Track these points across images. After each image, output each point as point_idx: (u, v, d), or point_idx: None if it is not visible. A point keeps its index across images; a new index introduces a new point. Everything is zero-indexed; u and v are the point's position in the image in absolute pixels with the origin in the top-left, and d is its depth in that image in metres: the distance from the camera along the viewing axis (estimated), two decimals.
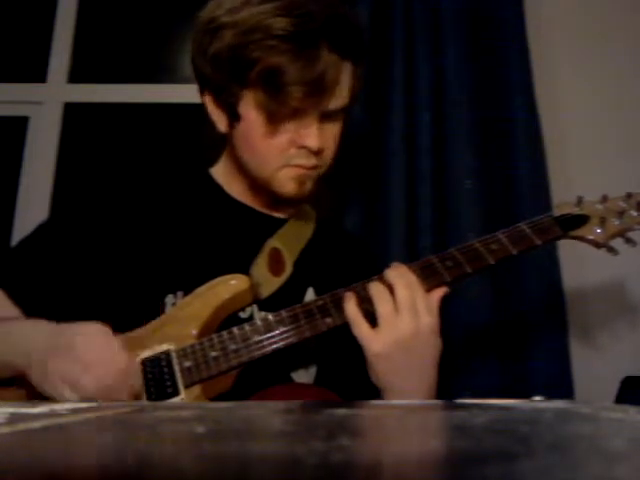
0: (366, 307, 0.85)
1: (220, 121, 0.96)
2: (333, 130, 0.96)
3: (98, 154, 1.80)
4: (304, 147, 0.92)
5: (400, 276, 0.86)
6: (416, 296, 0.85)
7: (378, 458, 0.24)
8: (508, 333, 1.37)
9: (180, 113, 1.75)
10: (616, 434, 0.33)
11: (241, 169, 1.00)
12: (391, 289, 0.85)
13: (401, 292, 0.84)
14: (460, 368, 1.34)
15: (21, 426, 0.34)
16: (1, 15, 1.89)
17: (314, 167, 0.94)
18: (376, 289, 0.85)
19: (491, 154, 1.45)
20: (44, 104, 1.76)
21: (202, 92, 0.98)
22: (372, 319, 0.85)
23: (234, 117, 0.93)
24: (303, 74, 0.86)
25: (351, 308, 0.85)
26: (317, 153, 0.93)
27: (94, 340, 0.78)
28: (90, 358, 0.76)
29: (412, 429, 0.35)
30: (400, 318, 0.83)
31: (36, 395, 0.82)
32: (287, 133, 0.91)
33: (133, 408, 0.49)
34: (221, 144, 1.06)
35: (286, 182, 0.94)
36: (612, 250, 0.92)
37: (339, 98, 0.93)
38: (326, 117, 0.93)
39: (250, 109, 0.91)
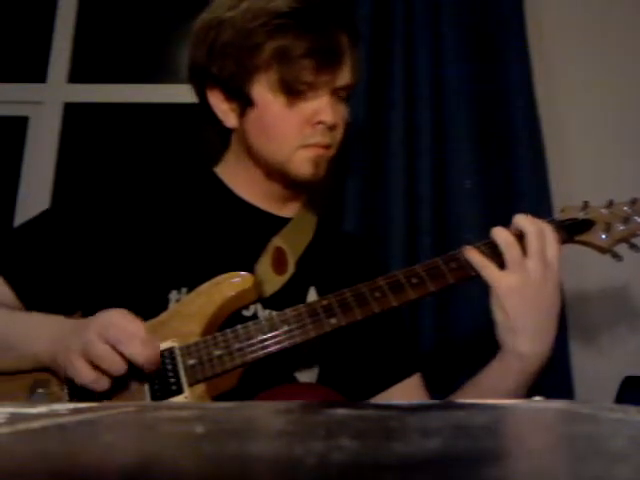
0: (493, 258, 0.88)
1: (228, 115, 0.97)
2: (342, 110, 0.98)
3: (98, 154, 1.80)
4: (319, 123, 0.94)
5: (532, 223, 0.88)
6: (546, 244, 0.87)
7: (378, 458, 0.24)
8: None
9: (180, 113, 1.74)
10: (616, 434, 0.33)
11: (250, 163, 1.00)
12: (519, 235, 0.88)
13: (532, 238, 0.87)
14: (462, 368, 1.34)
15: (21, 426, 0.34)
16: (1, 15, 1.89)
17: (328, 146, 0.96)
18: (502, 235, 0.88)
19: (491, 154, 1.45)
20: (44, 104, 1.76)
21: (204, 92, 0.99)
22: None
23: (247, 104, 0.95)
24: (314, 46, 0.90)
25: (474, 254, 0.89)
26: (332, 129, 0.95)
27: (112, 313, 0.81)
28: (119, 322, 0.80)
29: (412, 429, 0.35)
30: (529, 262, 0.86)
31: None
32: (302, 111, 0.93)
33: (133, 408, 0.49)
34: (222, 144, 1.06)
35: (302, 164, 0.95)
36: (617, 256, 0.92)
37: (346, 75, 0.96)
38: (336, 95, 0.95)
39: (264, 91, 0.93)
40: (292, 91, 0.92)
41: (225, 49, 0.93)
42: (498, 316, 0.87)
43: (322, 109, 0.93)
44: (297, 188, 1.01)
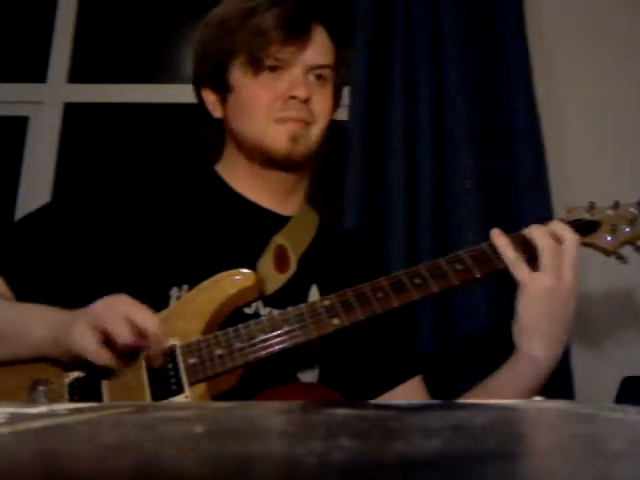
0: (523, 255, 0.88)
1: (215, 105, 1.01)
2: (322, 91, 0.99)
3: (98, 154, 1.80)
4: (292, 97, 0.95)
5: (571, 233, 0.89)
6: (578, 257, 0.88)
7: (378, 458, 0.24)
8: (509, 335, 1.37)
9: (180, 113, 1.74)
10: (616, 434, 0.33)
11: (236, 151, 1.01)
12: (558, 240, 0.88)
13: (571, 247, 0.88)
14: (462, 370, 1.34)
15: (21, 426, 0.34)
16: (1, 15, 1.89)
17: (304, 120, 0.95)
18: (544, 238, 0.88)
19: (491, 154, 1.45)
20: (44, 104, 1.76)
21: (200, 91, 1.03)
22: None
23: (227, 91, 0.98)
24: (280, 19, 0.93)
25: (510, 251, 0.89)
26: (305, 102, 0.95)
27: (111, 297, 0.83)
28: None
29: (412, 429, 0.35)
30: (564, 271, 0.87)
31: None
32: (274, 88, 0.95)
33: (133, 408, 0.49)
34: (221, 143, 1.06)
35: (277, 137, 0.95)
36: (621, 258, 0.92)
37: (319, 54, 0.97)
38: (311, 73, 0.97)
39: (238, 74, 0.97)
40: (261, 66, 0.94)
41: (209, 42, 0.99)
42: (521, 317, 0.88)
43: (293, 84, 0.95)
44: (278, 167, 0.98)
